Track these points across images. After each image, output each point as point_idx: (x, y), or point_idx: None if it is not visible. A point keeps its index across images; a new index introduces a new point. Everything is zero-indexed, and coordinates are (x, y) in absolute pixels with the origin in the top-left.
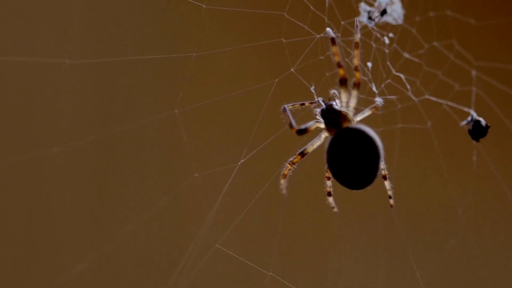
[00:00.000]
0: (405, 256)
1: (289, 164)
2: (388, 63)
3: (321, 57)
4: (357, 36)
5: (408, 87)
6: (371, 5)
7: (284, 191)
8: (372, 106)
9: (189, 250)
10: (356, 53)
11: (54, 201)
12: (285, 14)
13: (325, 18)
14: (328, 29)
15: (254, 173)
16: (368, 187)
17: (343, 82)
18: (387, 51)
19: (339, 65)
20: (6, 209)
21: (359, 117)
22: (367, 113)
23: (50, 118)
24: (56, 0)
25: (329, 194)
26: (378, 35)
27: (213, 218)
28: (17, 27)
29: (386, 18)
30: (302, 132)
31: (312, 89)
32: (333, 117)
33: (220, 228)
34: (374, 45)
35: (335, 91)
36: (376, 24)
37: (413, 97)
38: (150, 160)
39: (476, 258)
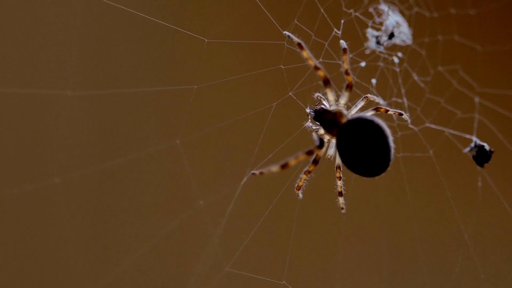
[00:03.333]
0: (411, 281)
1: (305, 174)
2: (400, 81)
3: (320, 82)
4: (343, 43)
5: (408, 118)
6: (378, 29)
7: (300, 196)
8: (363, 97)
9: (196, 275)
10: (345, 57)
11: (57, 231)
12: (285, 43)
13: (326, 44)
14: (287, 33)
15: (258, 193)
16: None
17: (326, 83)
18: (397, 69)
19: (316, 68)
20: (8, 239)
21: (353, 111)
22: (360, 105)
23: (52, 149)
24: (60, 31)
25: (340, 194)
26: (386, 56)
27: (220, 242)
28: (18, 59)
29: (394, 41)
30: (322, 145)
31: (307, 110)
32: (327, 117)
33: (228, 251)
34: (382, 64)
35: (319, 94)
36: (384, 47)
37: (413, 127)
38: (154, 190)
39: (484, 283)
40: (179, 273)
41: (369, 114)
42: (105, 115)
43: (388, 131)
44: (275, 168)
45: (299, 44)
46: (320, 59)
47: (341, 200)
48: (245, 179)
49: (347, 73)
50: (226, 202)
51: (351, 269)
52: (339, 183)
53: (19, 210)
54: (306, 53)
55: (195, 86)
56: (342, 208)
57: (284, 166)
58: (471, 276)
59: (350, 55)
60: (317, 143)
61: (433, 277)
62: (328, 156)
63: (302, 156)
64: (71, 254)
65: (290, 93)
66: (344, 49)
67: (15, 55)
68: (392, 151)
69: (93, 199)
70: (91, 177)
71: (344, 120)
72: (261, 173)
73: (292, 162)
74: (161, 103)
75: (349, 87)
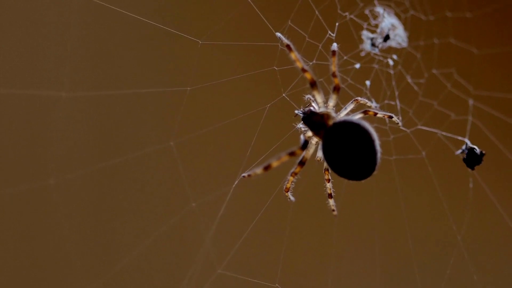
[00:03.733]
0: (404, 283)
1: (291, 176)
2: (393, 83)
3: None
4: (334, 45)
5: (398, 120)
6: (373, 32)
7: (291, 198)
8: (353, 99)
9: (188, 278)
10: (333, 60)
11: (53, 230)
12: (279, 45)
13: (320, 46)
14: (278, 34)
15: (251, 195)
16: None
17: (313, 85)
18: (392, 72)
19: (303, 70)
20: (7, 238)
21: (342, 113)
22: (349, 107)
23: (46, 149)
24: (57, 31)
25: (330, 196)
26: (381, 58)
27: (213, 244)
28: (14, 60)
29: (389, 43)
30: (305, 146)
31: (296, 111)
32: (315, 120)
33: (220, 253)
34: (376, 66)
35: (309, 96)
36: (379, 49)
37: (404, 129)
38: (147, 192)
39: (476, 284)
40: (172, 275)
41: (356, 117)
42: (99, 117)
43: (374, 135)
44: (259, 170)
45: (287, 46)
46: (314, 61)
47: (331, 202)
48: (236, 181)
49: (334, 75)
50: (218, 204)
51: (344, 271)
52: (328, 185)
53: (16, 210)
54: (294, 55)
55: (188, 88)
56: (333, 210)
57: (267, 168)
58: (463, 277)
59: (345, 57)
60: (301, 144)
61: (425, 278)
62: (317, 158)
63: (284, 158)
64: (67, 254)
65: (284, 95)
66: (334, 52)
67: (13, 55)
68: (379, 155)
69: (87, 201)
70: (84, 179)
71: (330, 123)
72: (249, 175)
73: (274, 163)
74: (155, 104)
75: (336, 89)
